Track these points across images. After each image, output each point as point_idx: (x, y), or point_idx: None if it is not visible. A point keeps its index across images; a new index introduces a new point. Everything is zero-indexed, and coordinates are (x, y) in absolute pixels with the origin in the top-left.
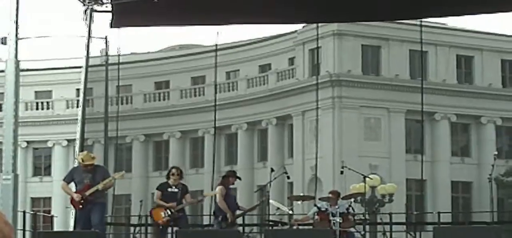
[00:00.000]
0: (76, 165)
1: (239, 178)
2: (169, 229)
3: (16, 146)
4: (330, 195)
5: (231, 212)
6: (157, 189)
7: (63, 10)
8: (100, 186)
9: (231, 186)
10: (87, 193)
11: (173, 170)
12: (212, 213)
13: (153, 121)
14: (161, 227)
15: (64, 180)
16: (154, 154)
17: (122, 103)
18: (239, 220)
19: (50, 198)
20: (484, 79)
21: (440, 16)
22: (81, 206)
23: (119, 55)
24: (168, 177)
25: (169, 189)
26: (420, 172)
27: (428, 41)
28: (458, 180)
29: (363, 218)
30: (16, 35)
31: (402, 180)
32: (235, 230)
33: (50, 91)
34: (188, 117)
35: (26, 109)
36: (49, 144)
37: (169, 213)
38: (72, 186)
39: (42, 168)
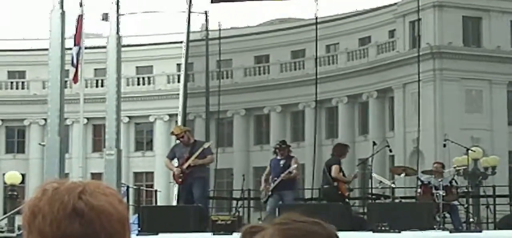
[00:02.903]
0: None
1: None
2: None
3: (119, 121)
4: (436, 165)
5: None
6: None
7: None
8: (192, 160)
9: (280, 157)
10: (184, 166)
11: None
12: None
13: (253, 95)
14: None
15: (167, 157)
16: (255, 128)
17: (222, 78)
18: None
19: (152, 172)
20: None
21: None
22: (181, 180)
23: (219, 29)
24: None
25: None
26: None
27: None
28: None
29: (466, 191)
30: (117, 11)
31: (504, 152)
32: (343, 204)
33: (151, 66)
34: (288, 91)
35: (128, 84)
36: (151, 119)
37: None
38: (175, 162)
39: (144, 142)
